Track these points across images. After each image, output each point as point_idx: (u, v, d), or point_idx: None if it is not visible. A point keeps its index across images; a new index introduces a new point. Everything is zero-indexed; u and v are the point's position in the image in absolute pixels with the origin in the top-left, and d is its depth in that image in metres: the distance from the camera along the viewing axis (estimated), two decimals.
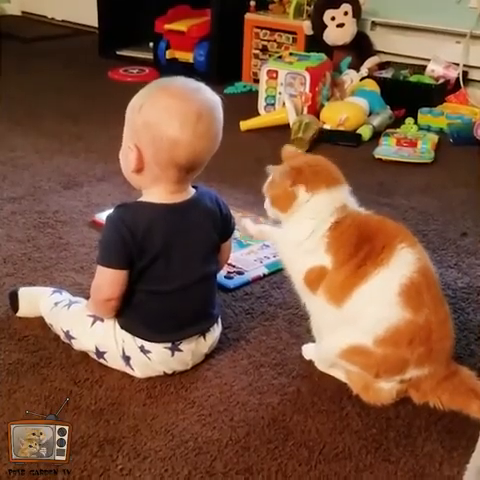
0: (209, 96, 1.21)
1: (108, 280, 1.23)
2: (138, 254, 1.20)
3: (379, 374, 1.21)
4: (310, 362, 1.35)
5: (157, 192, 1.23)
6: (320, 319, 1.29)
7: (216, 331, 1.35)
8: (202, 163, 1.23)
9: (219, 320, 1.37)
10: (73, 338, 1.33)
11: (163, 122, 1.16)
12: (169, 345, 1.27)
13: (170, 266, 1.23)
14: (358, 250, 1.20)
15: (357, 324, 1.20)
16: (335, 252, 1.21)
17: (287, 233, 1.28)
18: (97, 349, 1.30)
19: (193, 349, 1.30)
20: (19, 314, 1.45)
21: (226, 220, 1.33)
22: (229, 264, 1.66)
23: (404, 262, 1.19)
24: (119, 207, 1.24)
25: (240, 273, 1.66)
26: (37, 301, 1.43)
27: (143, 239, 1.19)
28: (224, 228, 1.33)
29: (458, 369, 1.24)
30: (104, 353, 1.30)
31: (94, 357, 1.32)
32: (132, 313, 1.27)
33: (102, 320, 1.30)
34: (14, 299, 1.46)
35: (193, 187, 1.28)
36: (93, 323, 1.30)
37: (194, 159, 1.19)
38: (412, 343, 1.18)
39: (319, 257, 1.22)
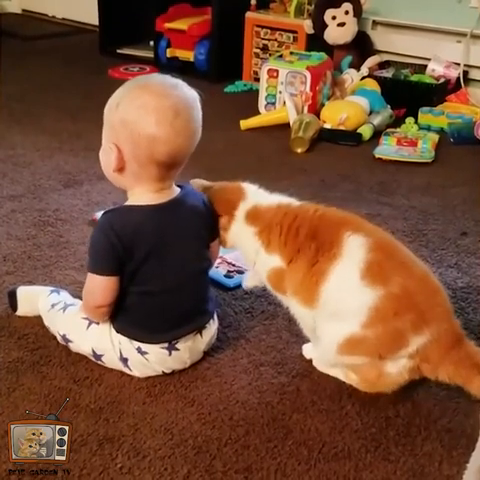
0: (186, 92, 1.20)
1: (99, 287, 1.22)
2: (128, 258, 1.20)
3: (383, 355, 1.20)
4: (310, 361, 1.35)
5: (141, 193, 1.23)
6: (306, 323, 1.30)
7: (212, 327, 1.35)
8: (182, 159, 1.22)
9: (215, 316, 1.37)
10: (70, 341, 1.33)
11: (140, 119, 1.15)
12: (166, 345, 1.27)
13: (161, 266, 1.23)
14: (301, 245, 1.22)
15: (340, 319, 1.21)
16: (277, 247, 1.25)
17: (245, 258, 1.36)
18: (94, 352, 1.30)
19: (190, 347, 1.30)
20: (18, 313, 1.45)
21: (213, 219, 1.33)
22: (229, 263, 1.66)
23: (354, 248, 1.20)
24: (107, 213, 1.23)
25: (240, 272, 1.66)
26: (36, 300, 1.43)
27: (132, 243, 1.19)
28: (212, 227, 1.32)
29: (465, 340, 1.21)
30: (101, 356, 1.29)
31: (92, 359, 1.32)
32: (126, 316, 1.27)
33: (98, 323, 1.29)
34: (13, 298, 1.46)
35: (179, 186, 1.28)
36: (88, 326, 1.30)
37: (174, 155, 1.19)
38: (398, 314, 1.17)
39: (267, 260, 1.27)
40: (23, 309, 1.45)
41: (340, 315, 1.21)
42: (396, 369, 1.22)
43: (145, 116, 1.15)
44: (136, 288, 1.24)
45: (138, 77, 1.26)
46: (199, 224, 1.29)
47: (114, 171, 1.22)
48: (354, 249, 1.20)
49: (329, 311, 1.22)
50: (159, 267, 1.23)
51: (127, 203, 1.25)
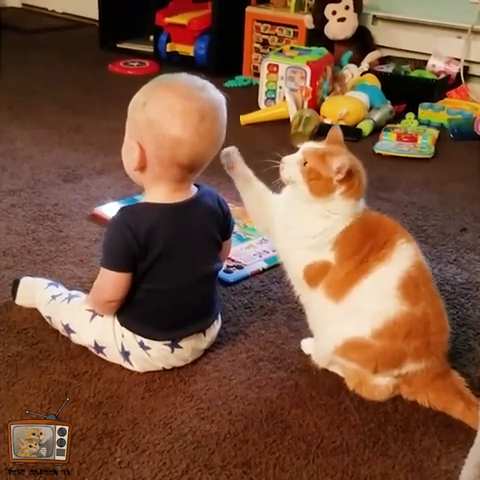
0: (214, 95, 1.19)
1: (111, 282, 1.23)
2: (141, 256, 1.20)
3: (377, 368, 1.22)
4: (309, 356, 1.35)
5: (159, 192, 1.23)
6: (317, 314, 1.29)
7: (216, 327, 1.36)
8: (204, 163, 1.22)
9: (219, 316, 1.38)
10: (73, 332, 1.33)
11: (166, 121, 1.15)
12: (169, 342, 1.27)
13: (172, 266, 1.23)
14: (362, 246, 1.22)
15: (354, 318, 1.21)
16: (340, 249, 1.22)
17: (295, 225, 1.25)
18: (96, 344, 1.30)
19: (193, 345, 1.30)
20: (16, 302, 1.46)
21: (227, 219, 1.33)
22: (229, 258, 1.66)
23: (403, 257, 1.21)
24: (123, 209, 1.24)
25: (239, 267, 1.66)
26: (33, 292, 1.44)
27: (146, 241, 1.19)
28: (225, 227, 1.33)
29: (450, 371, 1.26)
30: (103, 348, 1.30)
31: (93, 351, 1.32)
32: (132, 311, 1.27)
33: (102, 315, 1.30)
34: (15, 286, 1.47)
35: (195, 186, 1.28)
36: (92, 317, 1.30)
37: (196, 159, 1.19)
38: (409, 336, 1.19)
39: (323, 253, 1.23)
40: (20, 299, 1.46)
41: (355, 315, 1.21)
42: (383, 383, 1.24)
43: (171, 118, 1.15)
44: (146, 285, 1.24)
45: (165, 75, 1.24)
46: (213, 225, 1.29)
47: (135, 170, 1.22)
48: (403, 257, 1.21)
49: (350, 308, 1.21)
50: (170, 266, 1.23)
51: (144, 200, 1.26)
